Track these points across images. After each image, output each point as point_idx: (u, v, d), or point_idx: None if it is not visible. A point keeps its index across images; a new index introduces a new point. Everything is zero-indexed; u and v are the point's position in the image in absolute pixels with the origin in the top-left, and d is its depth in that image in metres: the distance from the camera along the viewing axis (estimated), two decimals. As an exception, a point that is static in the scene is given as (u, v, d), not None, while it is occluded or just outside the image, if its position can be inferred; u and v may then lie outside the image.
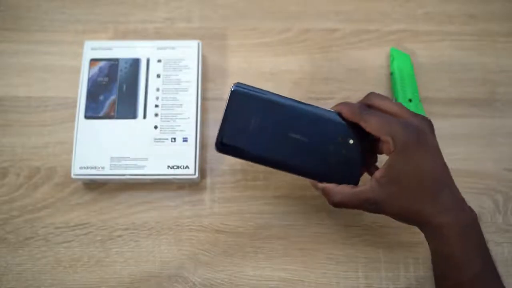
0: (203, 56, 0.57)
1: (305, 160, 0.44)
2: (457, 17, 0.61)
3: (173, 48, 0.56)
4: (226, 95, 0.44)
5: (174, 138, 0.52)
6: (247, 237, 0.52)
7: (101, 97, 0.54)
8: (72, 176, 0.51)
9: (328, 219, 0.53)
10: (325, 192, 0.44)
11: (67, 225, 0.53)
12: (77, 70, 0.55)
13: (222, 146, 0.44)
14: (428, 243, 0.42)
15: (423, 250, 0.51)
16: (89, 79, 0.54)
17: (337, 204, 0.43)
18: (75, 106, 0.54)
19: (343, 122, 0.44)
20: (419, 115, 0.43)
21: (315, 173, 0.45)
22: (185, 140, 0.52)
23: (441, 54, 0.60)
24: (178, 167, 0.52)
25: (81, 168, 0.51)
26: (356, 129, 0.44)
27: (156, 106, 0.53)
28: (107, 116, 0.53)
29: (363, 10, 0.61)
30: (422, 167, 0.41)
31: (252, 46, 0.60)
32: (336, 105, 0.45)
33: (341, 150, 0.44)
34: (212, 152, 0.54)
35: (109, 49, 0.55)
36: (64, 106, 0.56)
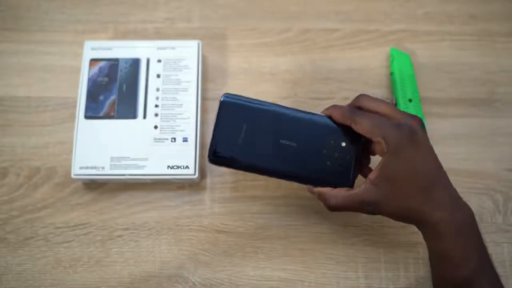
0: (203, 56, 0.57)
1: (299, 166, 0.44)
2: (457, 17, 0.61)
3: (173, 48, 0.56)
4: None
5: (174, 138, 0.52)
6: (247, 237, 0.52)
7: (101, 97, 0.54)
8: (72, 176, 0.51)
9: (328, 219, 0.53)
10: (320, 196, 0.44)
11: (67, 225, 0.53)
12: (77, 70, 0.55)
13: (215, 157, 0.44)
14: (425, 241, 0.43)
15: (423, 250, 0.51)
16: (89, 79, 0.54)
17: (333, 208, 0.43)
18: (75, 106, 0.54)
19: (334, 125, 0.44)
20: (410, 114, 0.43)
21: (310, 178, 0.45)
22: (185, 140, 0.52)
23: (441, 54, 0.60)
24: (178, 167, 0.52)
25: (81, 168, 0.51)
26: (347, 131, 0.44)
27: (156, 106, 0.53)
28: (107, 116, 0.53)
29: (363, 10, 0.61)
30: (416, 166, 0.41)
31: (252, 46, 0.60)
32: (326, 109, 0.45)
33: (334, 153, 0.44)
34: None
35: (109, 49, 0.55)
36: (64, 106, 0.56)
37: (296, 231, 0.53)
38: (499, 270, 0.41)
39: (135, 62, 0.55)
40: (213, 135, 0.44)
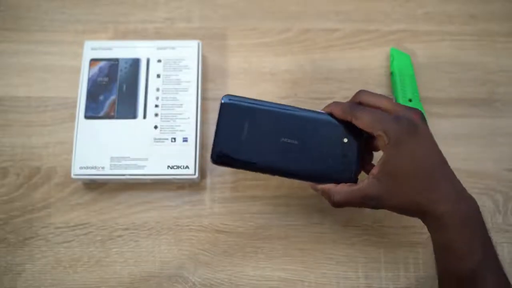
0: (203, 56, 0.57)
1: (302, 163, 0.44)
2: (457, 17, 0.61)
3: (173, 48, 0.56)
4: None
5: (174, 138, 0.52)
6: (247, 237, 0.52)
7: (101, 97, 0.54)
8: (72, 176, 0.51)
9: (328, 219, 0.53)
10: (324, 193, 0.44)
11: (67, 225, 0.53)
12: (77, 70, 0.55)
13: (218, 158, 0.44)
14: (430, 234, 0.42)
15: (423, 250, 0.51)
16: (89, 79, 0.54)
17: (338, 204, 0.43)
18: (75, 106, 0.54)
19: (335, 122, 0.45)
20: (410, 107, 0.43)
21: (313, 176, 0.45)
22: (185, 140, 0.52)
23: (441, 54, 0.60)
24: (178, 167, 0.52)
25: (81, 168, 0.51)
26: (349, 127, 0.44)
27: (156, 106, 0.53)
28: (107, 116, 0.53)
29: (363, 10, 0.61)
30: (418, 158, 0.41)
31: (252, 46, 0.60)
32: (326, 106, 0.45)
33: (336, 150, 0.45)
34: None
35: (109, 49, 0.55)
36: (64, 106, 0.56)
37: (296, 231, 0.53)
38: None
39: (135, 62, 0.55)
40: (215, 136, 0.44)
